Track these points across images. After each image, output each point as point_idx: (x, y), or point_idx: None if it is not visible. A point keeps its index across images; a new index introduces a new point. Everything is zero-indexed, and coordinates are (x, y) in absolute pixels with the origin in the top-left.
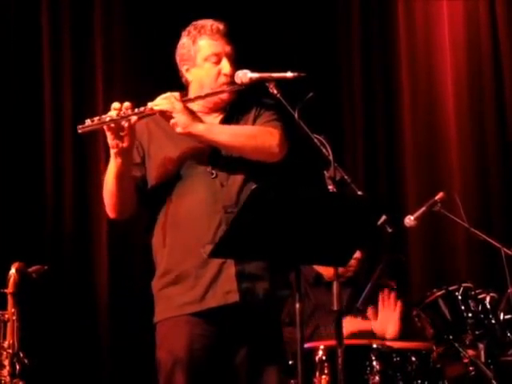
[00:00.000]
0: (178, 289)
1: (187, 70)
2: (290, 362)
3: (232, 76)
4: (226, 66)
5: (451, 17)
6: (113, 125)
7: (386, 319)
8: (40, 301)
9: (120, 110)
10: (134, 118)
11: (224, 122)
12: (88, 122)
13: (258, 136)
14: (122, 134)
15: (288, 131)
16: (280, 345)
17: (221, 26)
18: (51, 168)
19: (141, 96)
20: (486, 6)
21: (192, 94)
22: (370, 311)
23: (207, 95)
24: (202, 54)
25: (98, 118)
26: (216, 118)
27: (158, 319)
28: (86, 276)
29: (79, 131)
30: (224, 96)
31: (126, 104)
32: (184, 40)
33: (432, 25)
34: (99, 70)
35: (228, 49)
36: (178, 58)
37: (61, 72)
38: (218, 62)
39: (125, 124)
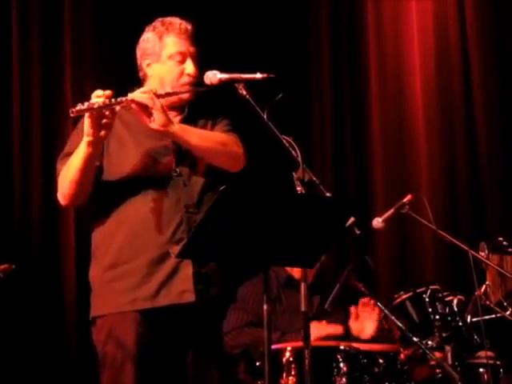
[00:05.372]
0: (127, 283)
1: (148, 64)
2: (258, 363)
3: (195, 77)
4: (189, 66)
5: (420, 16)
6: (95, 112)
7: (364, 319)
8: (7, 300)
9: (107, 97)
10: (117, 108)
11: (183, 122)
12: (79, 106)
13: (227, 143)
14: (103, 122)
15: (256, 133)
16: (222, 350)
17: (189, 27)
18: (19, 160)
19: (109, 84)
20: (454, 6)
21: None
22: (352, 310)
23: (176, 93)
24: (167, 52)
25: (87, 103)
26: (174, 117)
27: (101, 313)
28: (53, 276)
29: (72, 115)
30: (185, 96)
31: (108, 92)
32: (149, 35)
33: (401, 24)
34: (67, 57)
35: (193, 49)
36: (139, 52)
37: (29, 60)
38: (182, 62)
39: (107, 113)
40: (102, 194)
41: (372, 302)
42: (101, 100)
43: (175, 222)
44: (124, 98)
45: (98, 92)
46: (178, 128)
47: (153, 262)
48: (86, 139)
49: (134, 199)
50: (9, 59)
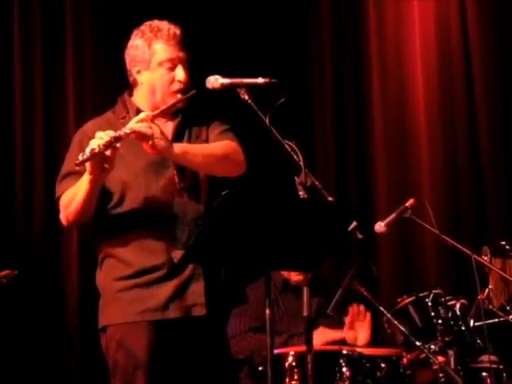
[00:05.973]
0: (138, 294)
1: (138, 71)
2: (260, 368)
3: (186, 83)
4: (180, 72)
5: (422, 17)
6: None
7: (357, 328)
8: (9, 305)
9: (109, 141)
10: (118, 145)
11: (177, 129)
12: (82, 156)
13: (229, 155)
14: (105, 165)
15: (259, 137)
16: (229, 356)
17: (177, 31)
18: (21, 170)
19: (110, 85)
20: (456, 6)
21: (141, 95)
22: (346, 320)
23: (171, 106)
24: (157, 59)
25: (88, 150)
26: (166, 122)
27: (112, 322)
28: (55, 281)
29: (77, 168)
30: (178, 104)
31: (112, 134)
32: (138, 41)
33: (403, 24)
34: (69, 60)
35: (182, 55)
36: (128, 58)
37: (32, 62)
38: (172, 68)
39: (108, 153)
40: (109, 212)
41: (362, 308)
42: (101, 142)
43: (184, 236)
44: (123, 132)
45: (101, 134)
46: (180, 151)
47: (164, 275)
48: (88, 176)
49: (141, 215)
50: (10, 61)
